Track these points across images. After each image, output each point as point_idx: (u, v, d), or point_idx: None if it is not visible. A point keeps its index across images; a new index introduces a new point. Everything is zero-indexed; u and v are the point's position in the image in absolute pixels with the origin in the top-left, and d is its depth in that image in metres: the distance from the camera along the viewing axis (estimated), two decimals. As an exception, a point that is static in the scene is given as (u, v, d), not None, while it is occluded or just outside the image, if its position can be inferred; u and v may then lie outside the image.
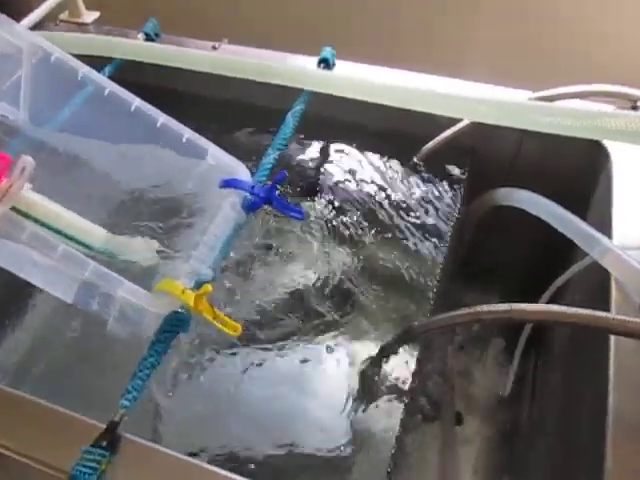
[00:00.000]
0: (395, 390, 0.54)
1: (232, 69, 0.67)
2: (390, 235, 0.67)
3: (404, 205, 0.70)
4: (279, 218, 0.68)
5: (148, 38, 0.77)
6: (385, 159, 0.75)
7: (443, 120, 0.65)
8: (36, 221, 0.45)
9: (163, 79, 0.75)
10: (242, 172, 0.54)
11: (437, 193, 0.71)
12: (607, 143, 0.63)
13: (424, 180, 0.72)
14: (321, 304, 0.62)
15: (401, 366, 0.56)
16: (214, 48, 0.78)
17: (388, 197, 0.71)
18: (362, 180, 0.73)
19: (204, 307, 0.45)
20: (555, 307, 0.43)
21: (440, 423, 0.75)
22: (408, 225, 0.68)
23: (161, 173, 0.56)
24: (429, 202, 0.70)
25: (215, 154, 0.55)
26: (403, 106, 0.60)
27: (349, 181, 0.73)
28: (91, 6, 0.85)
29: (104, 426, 0.41)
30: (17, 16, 0.78)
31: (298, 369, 0.57)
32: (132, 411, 0.42)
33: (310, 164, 0.76)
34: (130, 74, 0.68)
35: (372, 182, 0.73)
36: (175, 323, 0.46)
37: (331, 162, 0.76)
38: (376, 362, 0.57)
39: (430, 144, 0.72)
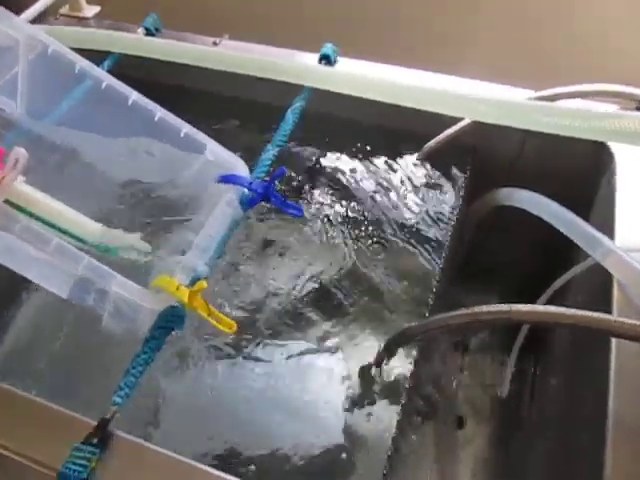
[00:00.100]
0: (392, 391, 0.54)
1: (233, 65, 0.67)
2: (389, 234, 0.67)
3: (404, 204, 0.69)
4: (277, 215, 0.68)
5: (148, 33, 0.77)
6: (385, 157, 0.74)
7: (445, 119, 0.64)
8: (30, 214, 0.45)
9: (162, 74, 0.74)
10: (240, 168, 0.54)
11: (438, 192, 0.70)
12: (611, 143, 0.62)
13: (425, 179, 0.72)
14: (318, 304, 0.61)
15: (399, 367, 0.55)
16: (215, 44, 0.77)
17: (388, 196, 0.70)
18: (362, 178, 0.73)
19: (199, 304, 0.44)
20: (555, 308, 0.43)
21: (438, 425, 0.74)
22: (408, 224, 0.67)
23: (158, 168, 0.55)
24: (429, 201, 0.69)
25: (213, 149, 0.54)
26: (404, 104, 0.59)
27: (349, 179, 0.73)
28: (92, 0, 0.85)
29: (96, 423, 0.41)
30: (18, 10, 0.77)
31: (294, 369, 0.56)
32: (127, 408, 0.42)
33: (309, 161, 0.75)
34: (129, 69, 0.67)
35: (372, 180, 0.72)
36: (170, 319, 0.46)
37: (331, 160, 0.75)
38: (374, 363, 0.56)
39: (431, 143, 0.71)
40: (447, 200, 0.69)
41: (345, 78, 0.64)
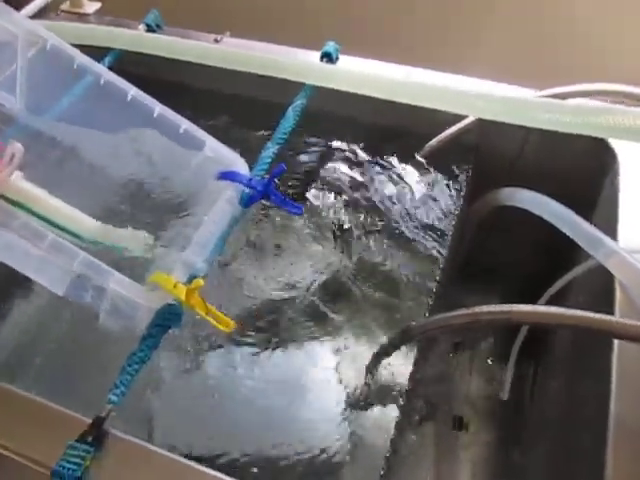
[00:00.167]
0: (391, 392, 0.53)
1: (234, 62, 0.66)
2: (390, 233, 0.66)
3: (405, 203, 0.69)
4: (276, 213, 0.67)
5: (149, 29, 0.76)
6: (387, 156, 0.74)
7: (447, 117, 0.64)
8: (26, 210, 0.44)
9: (163, 71, 0.74)
10: (240, 165, 0.53)
11: (439, 191, 0.70)
12: (614, 143, 0.62)
13: (426, 178, 0.71)
14: (317, 303, 0.61)
15: (398, 367, 0.55)
16: (216, 41, 0.77)
17: (388, 195, 0.70)
18: (362, 177, 0.72)
19: (196, 301, 0.44)
20: (556, 309, 0.42)
21: (437, 427, 0.74)
22: (408, 223, 0.67)
23: (157, 164, 0.55)
24: (431, 200, 0.69)
25: (213, 146, 0.54)
26: (407, 101, 0.59)
27: (350, 178, 0.72)
28: (93, -4, 0.85)
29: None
30: (18, 5, 0.77)
31: (292, 369, 0.56)
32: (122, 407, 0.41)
33: (310, 159, 0.75)
34: (129, 65, 0.67)
35: (373, 179, 0.72)
36: (167, 317, 0.45)
37: (332, 158, 0.74)
38: (373, 363, 0.56)
39: (433, 141, 0.71)
40: (448, 199, 0.69)
41: (347, 76, 0.63)
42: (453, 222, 0.66)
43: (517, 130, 0.60)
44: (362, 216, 0.68)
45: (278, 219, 0.68)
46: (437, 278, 0.61)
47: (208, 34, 0.77)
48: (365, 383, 0.55)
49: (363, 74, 0.63)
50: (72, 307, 0.58)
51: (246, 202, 0.53)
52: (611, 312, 0.48)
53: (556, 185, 0.59)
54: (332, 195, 0.70)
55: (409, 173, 0.72)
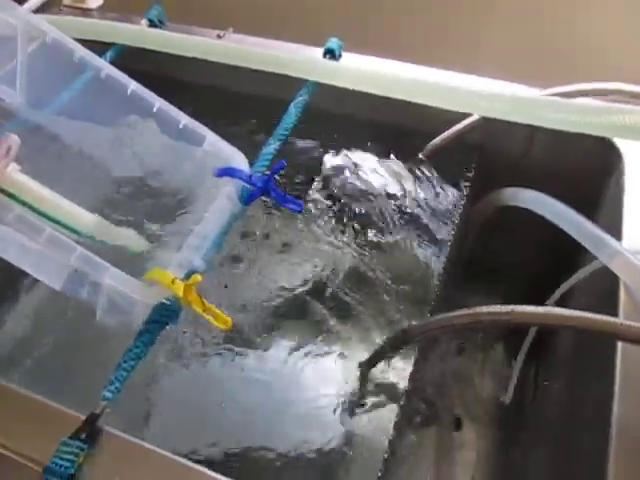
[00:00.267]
0: (390, 392, 0.53)
1: (237, 58, 0.66)
2: (391, 233, 0.65)
3: (407, 202, 0.68)
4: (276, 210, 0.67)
5: (152, 25, 0.76)
6: (389, 155, 0.73)
7: (450, 115, 0.63)
8: (23, 203, 0.44)
9: (165, 66, 0.73)
10: (240, 161, 0.53)
11: (442, 191, 0.69)
12: (619, 143, 0.61)
13: (429, 177, 0.70)
14: (317, 303, 0.61)
15: (398, 368, 0.54)
16: (219, 37, 0.76)
17: (391, 194, 0.69)
18: (364, 175, 0.71)
19: (193, 298, 0.43)
20: (558, 310, 0.41)
21: (437, 428, 0.73)
22: (410, 223, 0.66)
23: (157, 159, 0.55)
24: (433, 200, 0.68)
25: (213, 142, 0.53)
26: (412, 100, 0.58)
27: (351, 176, 0.71)
28: (96, -8, 0.84)
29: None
30: (21, 0, 0.77)
31: (291, 369, 0.56)
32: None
33: (311, 157, 0.74)
34: (131, 61, 0.66)
35: (375, 178, 0.71)
36: (164, 314, 0.45)
37: (333, 156, 0.74)
38: (372, 363, 0.55)
39: (436, 140, 0.70)
40: (451, 199, 0.68)
41: (349, 73, 0.63)
42: (456, 222, 0.65)
43: (521, 129, 0.60)
44: (361, 215, 0.67)
45: (276, 216, 0.67)
46: (439, 278, 0.60)
47: (211, 30, 0.77)
48: (364, 383, 0.54)
49: (367, 71, 0.62)
50: (68, 303, 0.58)
51: (246, 199, 0.52)
52: (615, 314, 0.47)
53: (560, 185, 0.59)
54: (332, 192, 0.70)
55: (412, 172, 0.71)
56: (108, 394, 0.40)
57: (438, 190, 0.69)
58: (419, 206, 0.68)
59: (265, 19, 0.85)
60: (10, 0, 0.58)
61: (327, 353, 0.57)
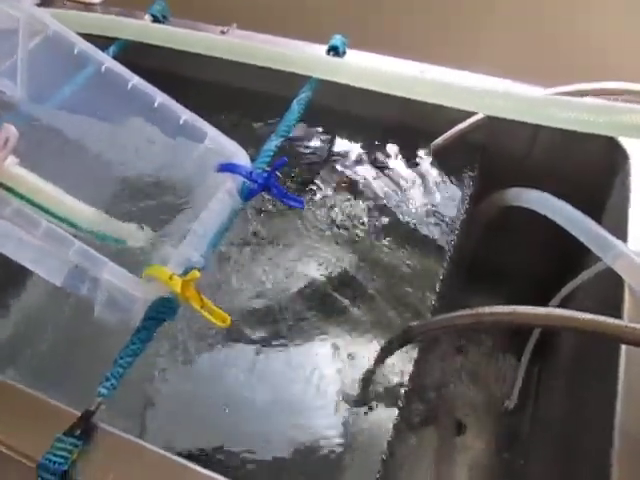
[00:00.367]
0: (390, 393, 0.52)
1: (241, 54, 0.66)
2: (393, 232, 0.65)
3: (409, 202, 0.68)
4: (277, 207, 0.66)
5: (155, 20, 0.76)
6: (392, 153, 0.73)
7: (454, 114, 0.62)
8: (21, 197, 0.44)
9: (167, 62, 0.73)
10: (241, 157, 0.52)
11: (445, 190, 0.68)
12: (625, 143, 0.60)
13: (431, 176, 0.70)
14: (318, 302, 0.60)
15: (398, 368, 0.53)
16: (223, 33, 0.76)
17: (393, 193, 0.69)
18: (366, 175, 0.71)
19: (191, 294, 0.43)
20: (560, 311, 0.41)
21: (437, 430, 0.73)
22: (412, 223, 0.65)
23: (157, 154, 0.54)
24: (435, 200, 0.67)
25: (214, 137, 0.53)
26: (418, 98, 0.57)
27: (352, 175, 0.71)
28: (100, -13, 0.84)
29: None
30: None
31: (291, 369, 0.55)
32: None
33: (312, 154, 0.74)
34: (134, 56, 0.66)
35: (376, 177, 0.71)
36: (161, 310, 0.44)
37: (334, 154, 0.73)
38: (373, 363, 0.54)
39: (439, 139, 0.70)
40: (454, 199, 0.67)
41: (354, 70, 0.62)
42: (459, 222, 0.65)
43: (525, 129, 0.59)
44: (363, 214, 0.67)
45: (276, 213, 0.67)
46: (441, 279, 0.60)
47: (215, 26, 0.77)
48: (365, 384, 0.53)
49: (371, 68, 0.62)
50: (67, 298, 0.58)
51: (246, 195, 0.52)
52: (619, 316, 0.46)
53: (565, 185, 0.58)
54: (333, 191, 0.69)
55: (414, 171, 0.71)
56: (103, 390, 0.40)
57: (441, 190, 0.68)
58: (421, 205, 0.67)
59: (266, 18, 0.84)
60: (13, -6, 0.58)
61: (327, 352, 0.56)
